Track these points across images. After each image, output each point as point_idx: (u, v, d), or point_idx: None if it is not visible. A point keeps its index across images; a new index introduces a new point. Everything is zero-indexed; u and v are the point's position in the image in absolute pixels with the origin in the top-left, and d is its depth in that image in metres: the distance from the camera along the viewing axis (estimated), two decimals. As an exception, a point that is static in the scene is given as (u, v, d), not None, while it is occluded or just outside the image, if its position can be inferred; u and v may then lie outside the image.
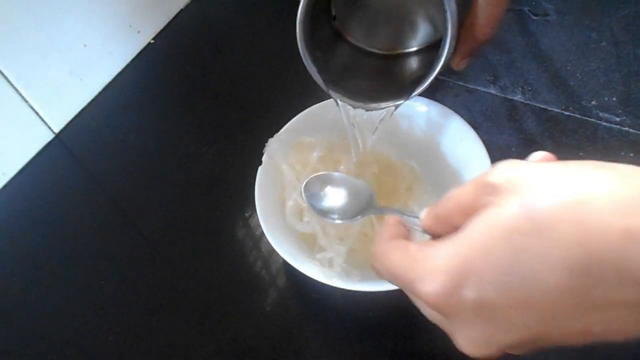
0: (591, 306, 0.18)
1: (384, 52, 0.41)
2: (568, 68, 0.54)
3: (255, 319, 0.42)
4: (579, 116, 0.50)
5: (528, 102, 0.52)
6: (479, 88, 0.54)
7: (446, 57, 0.32)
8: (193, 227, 0.49)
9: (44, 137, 0.58)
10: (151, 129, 0.58)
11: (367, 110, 0.37)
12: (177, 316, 0.43)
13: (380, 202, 0.38)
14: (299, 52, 0.36)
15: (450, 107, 0.43)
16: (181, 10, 0.69)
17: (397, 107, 0.37)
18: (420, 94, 0.36)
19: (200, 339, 0.42)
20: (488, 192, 0.21)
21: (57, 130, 0.58)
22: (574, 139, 0.48)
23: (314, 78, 0.36)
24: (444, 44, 0.32)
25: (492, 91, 0.54)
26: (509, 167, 0.21)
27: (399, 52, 0.41)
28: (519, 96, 0.53)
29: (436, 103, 0.44)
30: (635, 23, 0.55)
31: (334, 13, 0.40)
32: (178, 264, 0.47)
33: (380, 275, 0.26)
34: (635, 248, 0.17)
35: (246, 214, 0.49)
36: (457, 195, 0.23)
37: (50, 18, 0.54)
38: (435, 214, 0.24)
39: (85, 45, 0.58)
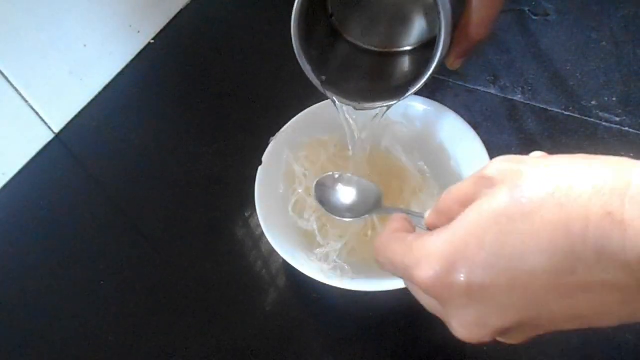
0: (575, 287, 0.19)
1: (381, 50, 0.41)
2: (568, 68, 0.54)
3: (255, 319, 0.42)
4: (579, 116, 0.50)
5: (528, 102, 0.52)
6: (479, 88, 0.54)
7: (440, 58, 0.33)
8: (193, 227, 0.49)
9: (44, 137, 0.58)
10: (151, 129, 0.58)
11: (361, 110, 0.38)
12: (177, 316, 0.43)
13: (386, 203, 0.38)
14: (298, 52, 0.36)
15: (450, 107, 0.44)
16: (181, 10, 0.69)
17: (389, 107, 0.37)
18: (420, 94, 0.36)
19: (200, 339, 0.42)
20: (484, 185, 0.22)
21: (57, 130, 0.58)
22: (574, 139, 0.48)
23: (309, 77, 0.37)
24: (438, 45, 0.32)
25: (492, 91, 0.54)
26: (503, 161, 0.22)
27: (395, 50, 0.41)
28: (519, 96, 0.53)
29: (436, 103, 0.44)
30: (635, 23, 0.55)
31: (330, 10, 0.40)
32: (178, 264, 0.47)
33: (382, 266, 0.27)
34: (615, 229, 0.17)
35: (246, 214, 0.49)
36: (456, 190, 0.24)
37: (50, 18, 0.54)
38: (436, 209, 0.25)
39: (85, 45, 0.58)
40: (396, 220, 0.28)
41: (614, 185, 0.18)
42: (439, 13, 0.31)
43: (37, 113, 0.55)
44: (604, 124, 0.49)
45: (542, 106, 0.51)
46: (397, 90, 0.36)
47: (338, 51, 0.41)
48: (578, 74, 0.53)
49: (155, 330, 0.43)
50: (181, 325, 0.43)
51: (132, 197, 0.52)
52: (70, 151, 0.57)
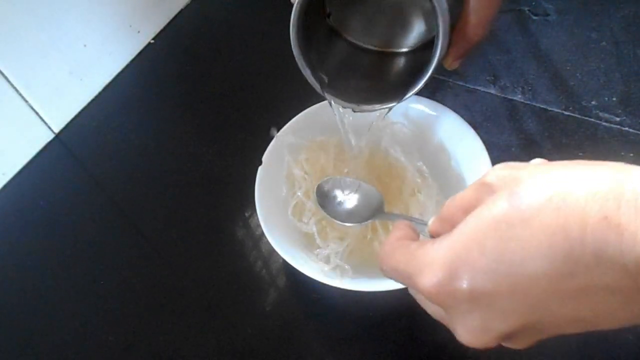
0: (575, 291, 0.19)
1: (379, 49, 0.41)
2: (568, 68, 0.54)
3: (255, 319, 0.42)
4: (579, 116, 0.50)
5: (528, 102, 0.52)
6: (479, 88, 0.54)
7: (438, 60, 0.33)
8: (193, 227, 0.49)
9: (44, 137, 0.58)
10: (151, 129, 0.58)
11: (360, 112, 0.38)
12: (177, 316, 0.43)
13: (386, 204, 0.38)
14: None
15: (450, 107, 0.44)
16: (181, 10, 0.69)
17: (389, 109, 0.37)
18: (420, 94, 0.36)
19: (200, 339, 0.42)
20: (485, 192, 0.22)
21: (57, 130, 0.58)
22: (574, 139, 0.48)
23: (309, 80, 0.37)
24: (436, 48, 0.32)
25: (492, 91, 0.54)
26: (503, 169, 0.22)
27: (393, 50, 0.41)
28: (519, 96, 0.53)
29: (436, 103, 0.44)
30: (635, 23, 0.55)
31: (328, 10, 0.40)
32: (178, 264, 0.47)
33: (386, 274, 0.27)
34: (612, 233, 0.17)
35: (246, 214, 0.49)
36: (459, 198, 0.24)
37: (50, 18, 0.54)
38: (440, 217, 0.26)
39: (85, 45, 0.58)
40: (400, 228, 0.28)
41: (610, 189, 0.18)
42: (436, 15, 0.31)
43: (37, 113, 0.55)
44: (604, 124, 0.49)
45: (542, 106, 0.51)
46: (396, 92, 0.36)
47: (337, 52, 0.41)
48: (578, 74, 0.53)
49: (155, 330, 0.43)
50: (181, 325, 0.43)
51: (132, 197, 0.52)
52: (70, 151, 0.57)
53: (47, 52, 0.55)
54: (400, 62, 0.41)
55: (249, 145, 0.53)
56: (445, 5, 0.30)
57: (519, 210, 0.20)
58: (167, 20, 0.68)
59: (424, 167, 0.44)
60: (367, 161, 0.44)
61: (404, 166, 0.44)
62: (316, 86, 0.37)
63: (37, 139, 0.57)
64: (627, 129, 0.48)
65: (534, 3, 0.60)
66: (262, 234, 0.39)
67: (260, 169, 0.42)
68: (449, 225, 0.24)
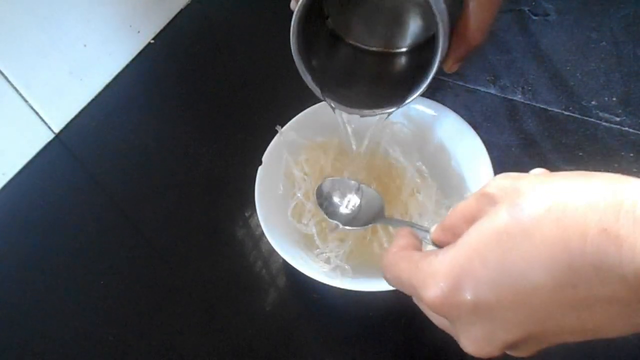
0: (577, 303, 0.19)
1: (379, 50, 0.41)
2: (568, 68, 0.54)
3: (255, 319, 0.42)
4: (579, 116, 0.50)
5: (528, 102, 0.52)
6: (479, 88, 0.54)
7: (438, 64, 0.33)
8: (193, 227, 0.49)
9: (44, 137, 0.58)
10: (151, 129, 0.58)
11: (361, 117, 0.38)
12: (177, 316, 0.43)
13: (386, 205, 0.38)
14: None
15: (450, 107, 0.44)
16: (181, 10, 0.69)
17: (390, 113, 0.37)
18: (420, 94, 0.36)
19: (200, 339, 0.42)
20: (486, 202, 0.22)
21: (57, 130, 0.58)
22: (574, 139, 0.48)
23: (310, 86, 0.37)
24: (436, 52, 0.32)
25: (492, 91, 0.54)
26: (503, 179, 0.23)
27: (394, 50, 0.41)
28: (519, 96, 0.53)
29: (436, 103, 0.44)
30: (635, 23, 0.55)
31: (327, 13, 0.40)
32: (178, 264, 0.47)
33: (390, 284, 0.27)
34: (611, 245, 0.18)
35: (246, 214, 0.49)
36: (461, 207, 0.24)
37: (50, 18, 0.54)
38: (442, 225, 0.26)
39: (85, 45, 0.58)
40: (403, 237, 0.28)
41: (609, 201, 0.18)
42: (436, 21, 0.31)
43: (37, 113, 0.55)
44: (604, 124, 0.49)
45: (542, 106, 0.51)
46: (397, 95, 0.36)
47: (336, 55, 0.41)
48: (578, 74, 0.53)
49: (155, 330, 0.43)
50: (181, 325, 0.43)
51: (132, 197, 0.52)
52: (70, 151, 0.57)
53: (47, 52, 0.55)
54: (401, 62, 0.41)
55: (249, 145, 0.53)
56: (444, 10, 0.30)
57: (519, 221, 0.20)
58: (167, 20, 0.68)
59: (424, 167, 0.44)
60: (367, 161, 0.44)
61: (404, 166, 0.44)
62: (317, 91, 0.37)
63: (37, 139, 0.57)
64: (627, 129, 0.48)
65: (534, 3, 0.60)
66: (262, 234, 0.39)
67: (260, 169, 0.42)
68: (451, 234, 0.25)
